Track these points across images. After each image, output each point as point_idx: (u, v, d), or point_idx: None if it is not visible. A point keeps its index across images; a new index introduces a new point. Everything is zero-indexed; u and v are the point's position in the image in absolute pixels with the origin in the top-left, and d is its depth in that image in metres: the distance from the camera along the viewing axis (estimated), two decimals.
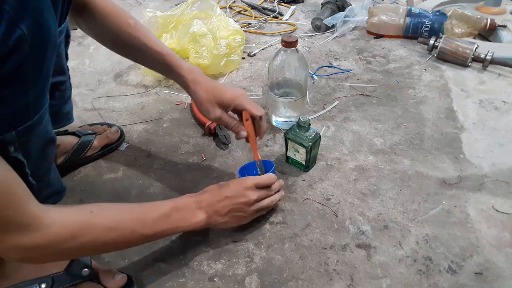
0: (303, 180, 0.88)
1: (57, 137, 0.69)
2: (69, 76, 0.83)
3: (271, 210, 0.80)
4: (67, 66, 0.82)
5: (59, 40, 0.70)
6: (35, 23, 0.44)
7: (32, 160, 0.53)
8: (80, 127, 0.98)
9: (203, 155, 0.95)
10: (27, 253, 0.51)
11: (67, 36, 0.77)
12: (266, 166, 0.81)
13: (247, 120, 0.78)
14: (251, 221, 0.77)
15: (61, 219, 0.52)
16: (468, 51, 1.21)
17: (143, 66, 1.17)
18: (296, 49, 0.91)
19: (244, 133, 0.78)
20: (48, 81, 0.52)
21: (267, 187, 0.74)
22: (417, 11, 1.37)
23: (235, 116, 0.80)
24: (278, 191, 0.77)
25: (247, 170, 0.81)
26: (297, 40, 0.89)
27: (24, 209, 0.48)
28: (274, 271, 0.70)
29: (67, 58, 0.80)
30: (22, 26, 0.42)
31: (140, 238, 0.61)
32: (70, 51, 0.81)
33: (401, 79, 1.20)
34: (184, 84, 0.78)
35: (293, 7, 1.65)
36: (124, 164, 0.93)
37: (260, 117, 0.78)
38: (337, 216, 0.80)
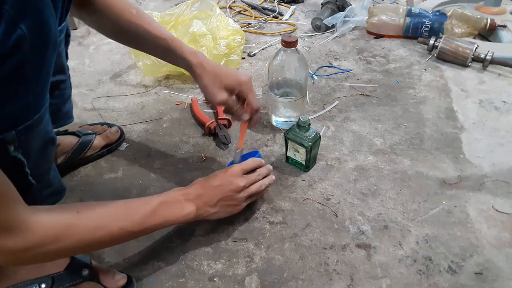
0: (303, 180, 0.88)
1: (57, 137, 0.69)
2: (69, 75, 0.83)
3: (266, 206, 0.80)
4: (67, 65, 0.82)
5: (59, 39, 0.70)
6: (35, 23, 0.44)
7: (32, 160, 0.53)
8: (80, 127, 0.98)
9: (203, 155, 0.95)
10: (13, 256, 0.50)
11: (67, 35, 0.77)
12: (250, 155, 0.81)
13: (247, 107, 0.79)
14: (251, 221, 0.77)
15: (47, 221, 0.52)
16: (468, 51, 1.21)
17: (143, 66, 1.17)
18: (296, 49, 0.91)
19: (246, 116, 0.79)
20: (48, 80, 0.52)
21: (253, 171, 0.75)
22: (417, 11, 1.37)
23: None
24: (266, 176, 0.77)
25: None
26: (297, 40, 0.89)
27: (11, 212, 0.47)
28: (274, 271, 0.70)
29: (67, 57, 0.80)
30: (22, 25, 0.42)
31: (128, 235, 0.61)
32: (70, 51, 0.81)
33: (401, 79, 1.20)
34: (189, 68, 0.77)
35: (293, 7, 1.65)
36: (124, 164, 0.93)
37: (257, 110, 0.80)
38: (337, 216, 0.80)
